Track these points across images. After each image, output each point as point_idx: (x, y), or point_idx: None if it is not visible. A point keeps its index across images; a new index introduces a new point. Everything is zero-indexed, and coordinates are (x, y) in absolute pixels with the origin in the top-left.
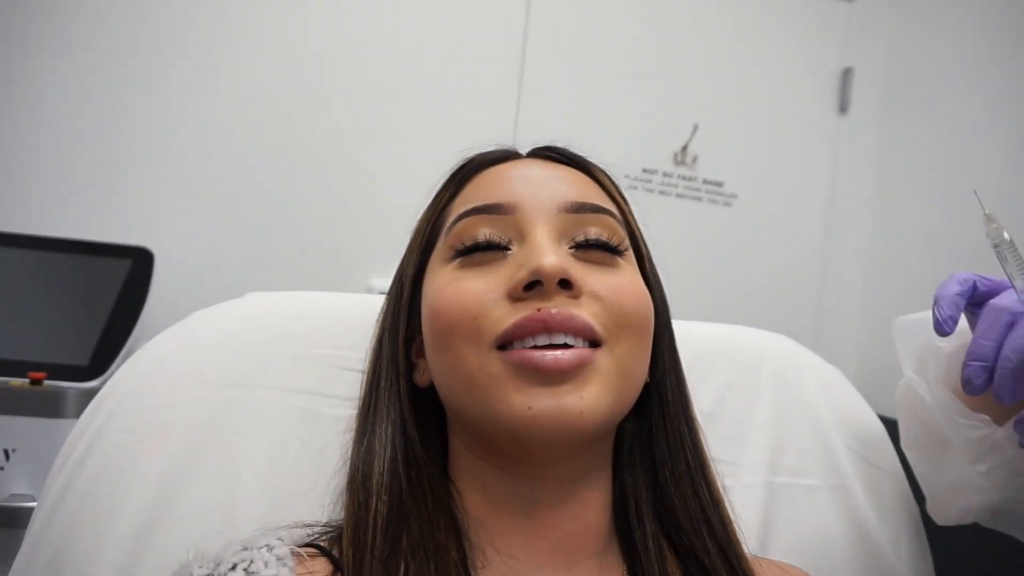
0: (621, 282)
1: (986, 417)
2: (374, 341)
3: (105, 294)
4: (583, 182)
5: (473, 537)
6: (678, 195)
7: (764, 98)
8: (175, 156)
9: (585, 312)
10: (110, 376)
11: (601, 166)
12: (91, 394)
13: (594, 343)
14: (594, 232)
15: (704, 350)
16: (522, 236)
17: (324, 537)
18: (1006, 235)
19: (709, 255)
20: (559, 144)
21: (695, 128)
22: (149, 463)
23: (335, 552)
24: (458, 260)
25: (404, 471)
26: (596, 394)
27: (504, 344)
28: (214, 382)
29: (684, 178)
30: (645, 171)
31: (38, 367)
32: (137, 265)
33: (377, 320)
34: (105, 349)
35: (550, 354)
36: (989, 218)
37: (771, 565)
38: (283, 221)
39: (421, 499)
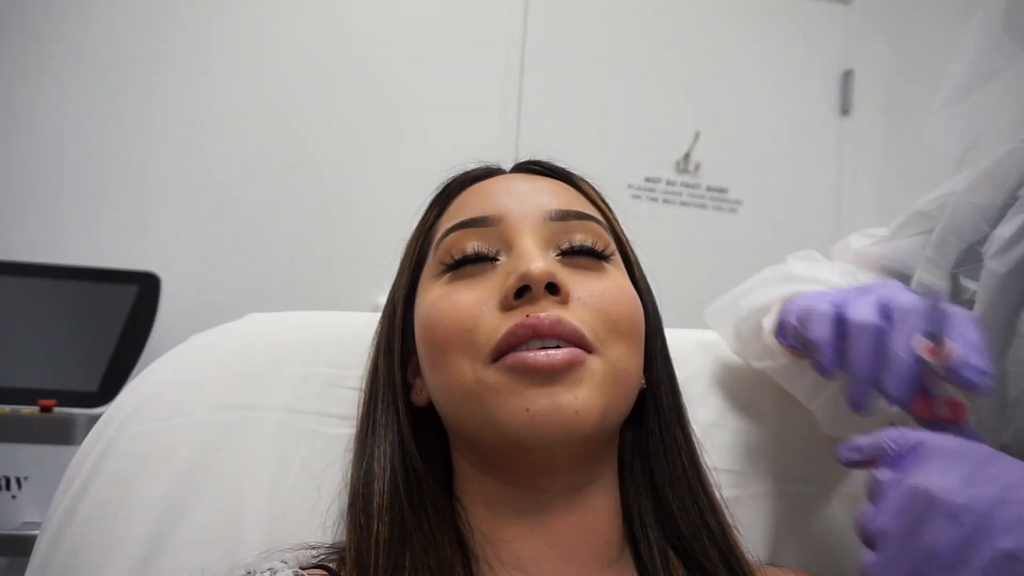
0: (608, 287)
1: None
2: (369, 363)
3: (113, 319)
4: (566, 192)
5: (479, 551)
6: (682, 203)
7: (765, 103)
8: (177, 181)
9: (574, 318)
10: None
11: (585, 176)
12: None
13: (586, 349)
14: (579, 238)
15: (707, 358)
16: (509, 246)
17: (330, 559)
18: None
19: (715, 262)
20: (545, 158)
21: (697, 135)
22: (151, 488)
23: (342, 574)
24: (448, 275)
25: (405, 491)
26: (589, 394)
27: (498, 356)
28: (215, 404)
29: (687, 186)
30: (648, 180)
31: (48, 394)
32: (144, 290)
33: (372, 342)
34: (114, 374)
35: (542, 353)
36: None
37: (783, 573)
38: (289, 241)
39: (424, 517)
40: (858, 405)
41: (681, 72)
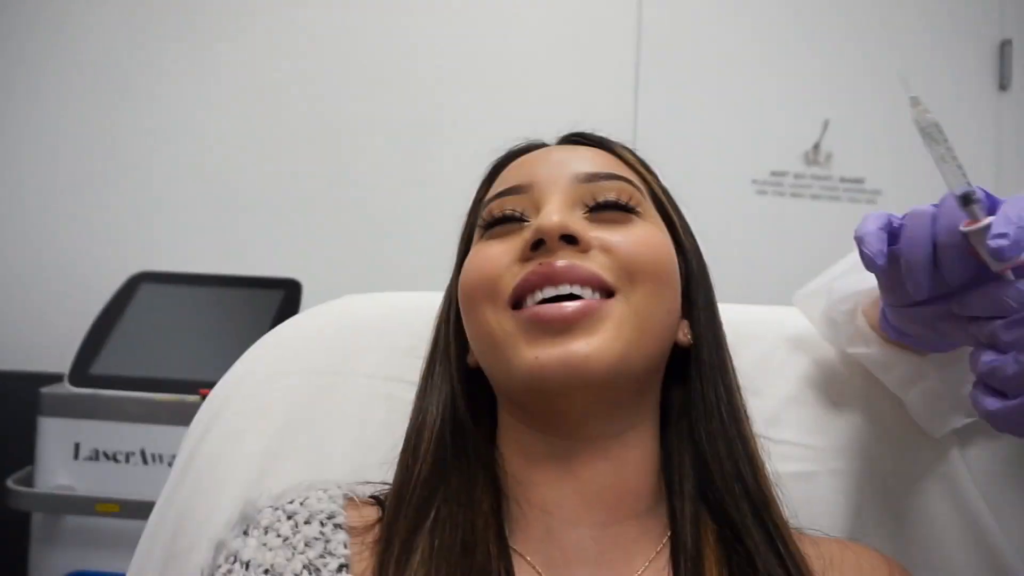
0: (633, 234)
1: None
2: (433, 329)
3: (261, 320)
4: (602, 157)
5: (509, 492)
6: (813, 196)
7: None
8: (315, 196)
9: (593, 263)
10: None
11: (627, 143)
12: None
13: (607, 293)
14: (604, 194)
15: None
16: (538, 208)
17: (382, 492)
18: (932, 118)
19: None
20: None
21: (826, 124)
22: (252, 439)
23: (385, 501)
24: (484, 235)
25: (451, 439)
26: (604, 340)
27: (517, 302)
28: (307, 370)
29: (818, 178)
30: (774, 174)
31: (207, 384)
32: (288, 294)
33: (438, 311)
34: None
35: (554, 306)
36: (915, 101)
37: (830, 542)
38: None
39: (464, 461)
40: (916, 286)
41: (807, 56)
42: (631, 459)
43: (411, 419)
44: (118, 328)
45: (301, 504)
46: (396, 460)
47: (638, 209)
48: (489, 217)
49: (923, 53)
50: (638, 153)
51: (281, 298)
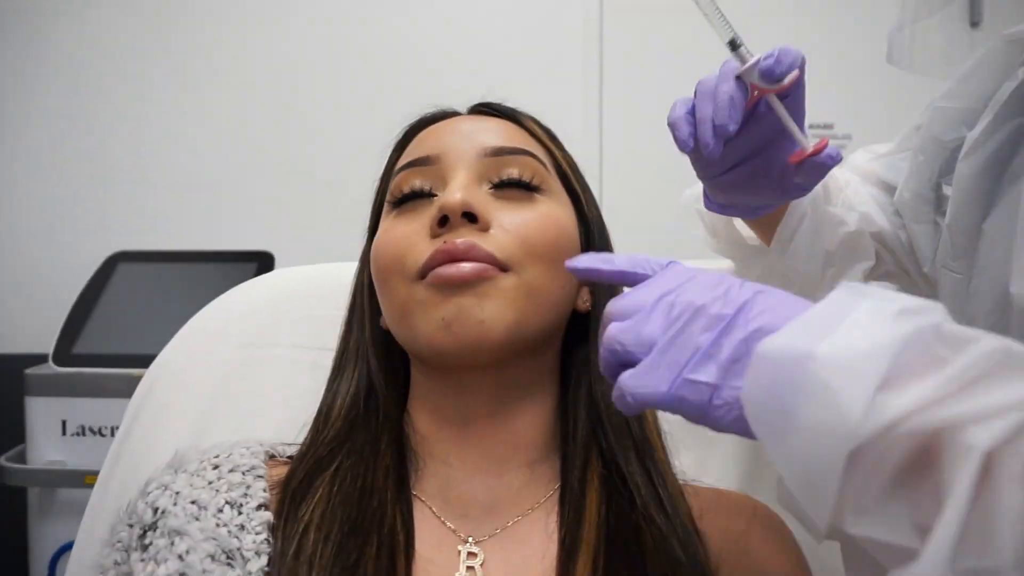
0: (532, 215)
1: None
2: (350, 294)
3: None
4: (509, 129)
5: (415, 447)
6: None
7: (874, 16)
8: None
9: (490, 243)
10: None
11: (534, 115)
12: None
13: (503, 269)
14: (509, 172)
15: None
16: (445, 181)
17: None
18: None
19: None
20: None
21: None
22: (184, 411)
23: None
24: (394, 211)
25: (364, 401)
26: (497, 307)
27: (424, 275)
28: (237, 344)
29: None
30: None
31: None
32: (260, 266)
33: (354, 276)
34: None
35: (453, 266)
36: None
37: (708, 490)
38: None
39: (373, 420)
40: (706, 146)
41: (773, 3)
42: (528, 415)
43: (327, 385)
44: (98, 308)
45: (226, 458)
46: None
47: (541, 187)
48: (398, 193)
49: None
50: (544, 124)
51: (254, 270)
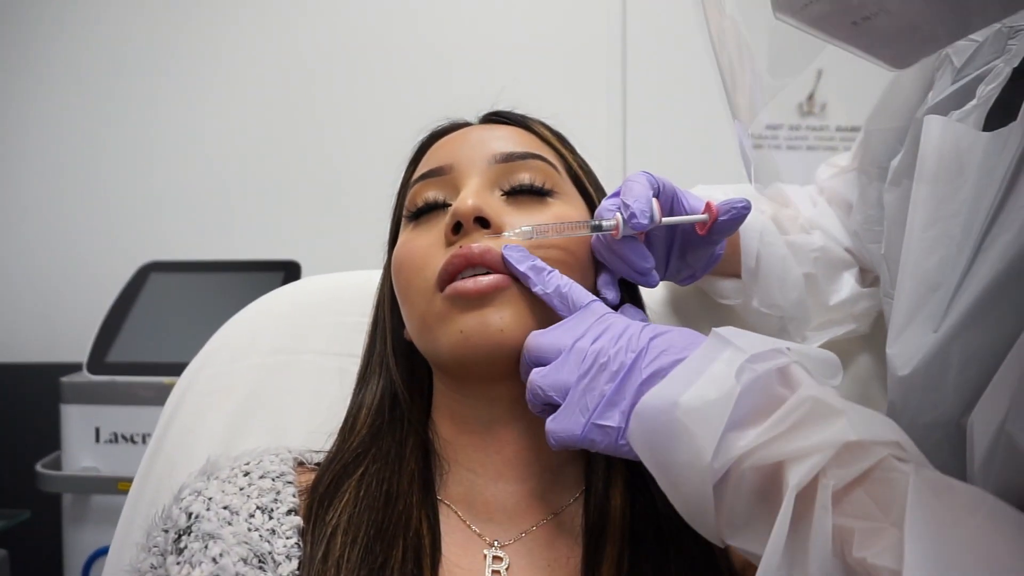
0: (544, 218)
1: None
2: (373, 306)
3: None
4: (519, 135)
5: (441, 452)
6: (809, 147)
7: None
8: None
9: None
10: None
11: (544, 120)
12: None
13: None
14: (520, 177)
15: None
16: (458, 191)
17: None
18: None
19: None
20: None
21: (819, 73)
22: (217, 417)
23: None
24: (411, 224)
25: (389, 410)
26: (515, 314)
27: (442, 285)
28: (265, 350)
29: (814, 128)
30: (769, 128)
31: None
32: (288, 275)
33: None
34: None
35: (471, 280)
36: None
37: None
38: None
39: (398, 427)
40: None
41: None
42: None
43: (352, 395)
44: (131, 317)
45: (256, 464)
46: None
47: (553, 190)
48: (413, 206)
49: None
50: (556, 128)
51: (281, 279)
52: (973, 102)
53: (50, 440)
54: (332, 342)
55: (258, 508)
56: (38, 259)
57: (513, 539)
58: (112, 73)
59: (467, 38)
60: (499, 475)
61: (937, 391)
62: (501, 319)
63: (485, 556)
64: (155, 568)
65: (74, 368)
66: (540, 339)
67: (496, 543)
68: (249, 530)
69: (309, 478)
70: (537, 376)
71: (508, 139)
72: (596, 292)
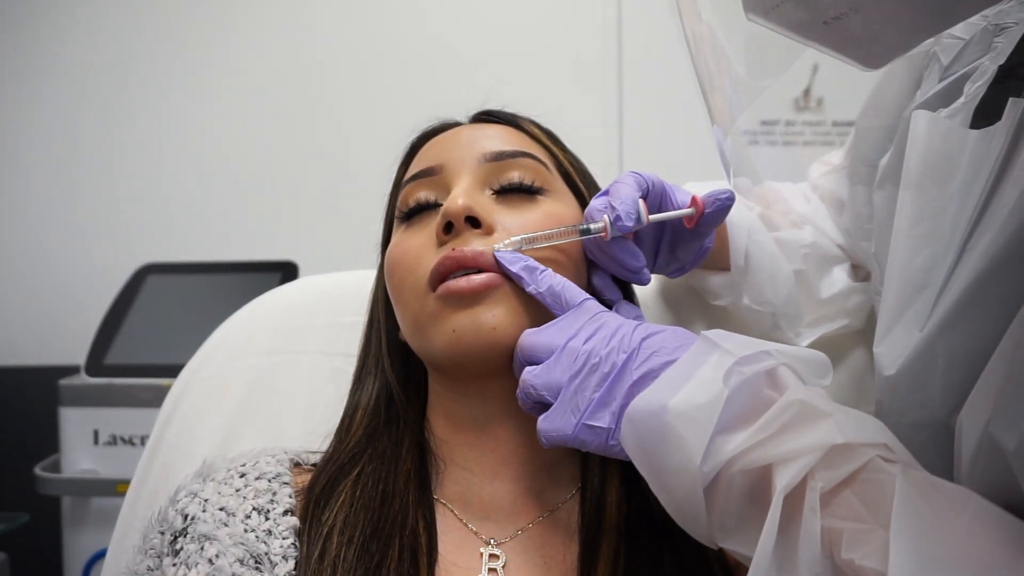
0: (534, 216)
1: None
2: (368, 308)
3: None
4: (509, 134)
5: (437, 452)
6: (805, 143)
7: None
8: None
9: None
10: None
11: (535, 118)
12: None
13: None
14: (510, 176)
15: None
16: (449, 190)
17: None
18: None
19: None
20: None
21: (815, 68)
22: (214, 418)
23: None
24: (403, 224)
25: (384, 411)
26: (508, 312)
27: (435, 285)
28: (262, 351)
29: (810, 124)
30: (764, 123)
31: None
32: (285, 276)
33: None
34: None
35: (463, 279)
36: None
37: None
38: None
39: (394, 427)
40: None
41: None
42: None
43: (348, 396)
44: (128, 319)
45: (252, 466)
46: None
47: (544, 188)
48: (404, 207)
49: None
50: (545, 127)
51: (279, 280)
52: (960, 100)
53: (49, 443)
54: (329, 342)
55: (254, 509)
56: (35, 262)
57: (509, 537)
58: (108, 77)
59: (464, 39)
60: (495, 473)
61: (923, 391)
62: (494, 317)
63: (482, 554)
64: (152, 570)
65: (72, 371)
66: (533, 338)
67: (492, 541)
68: (245, 531)
69: (305, 479)
70: (529, 375)
71: (498, 138)
72: (590, 289)
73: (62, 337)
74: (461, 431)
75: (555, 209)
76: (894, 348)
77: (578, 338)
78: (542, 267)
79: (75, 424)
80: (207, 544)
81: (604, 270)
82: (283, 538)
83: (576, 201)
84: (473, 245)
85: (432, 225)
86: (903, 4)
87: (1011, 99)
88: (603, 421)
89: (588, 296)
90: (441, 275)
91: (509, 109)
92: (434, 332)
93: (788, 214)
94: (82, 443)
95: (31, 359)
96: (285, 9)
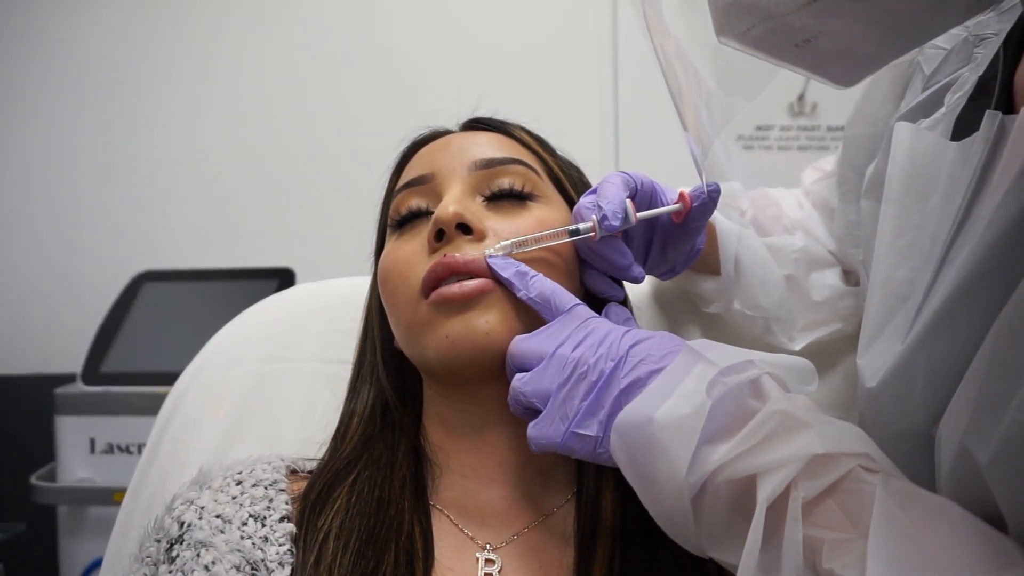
0: (525, 222)
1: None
2: (363, 316)
3: None
4: (499, 141)
5: (433, 458)
6: (800, 148)
7: None
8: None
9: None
10: None
11: (524, 124)
12: None
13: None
14: (500, 183)
15: None
16: (440, 199)
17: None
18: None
19: None
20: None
21: None
22: (211, 425)
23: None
24: (396, 233)
25: (380, 418)
26: (500, 317)
27: (428, 292)
28: (259, 358)
29: (805, 129)
30: (759, 128)
31: None
32: (282, 283)
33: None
34: None
35: (456, 284)
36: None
37: None
38: None
39: (389, 434)
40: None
41: None
42: None
43: (344, 403)
44: (125, 327)
45: (249, 473)
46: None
47: (534, 194)
48: (396, 216)
49: None
50: (536, 132)
51: (275, 287)
52: (941, 110)
53: (45, 452)
54: (325, 349)
55: (251, 516)
56: (31, 270)
57: (505, 542)
58: (104, 83)
59: (461, 44)
60: (490, 478)
61: (905, 402)
62: (487, 322)
63: (478, 559)
64: None
65: (68, 379)
66: (523, 345)
67: (488, 546)
68: (242, 538)
69: (302, 485)
70: (519, 383)
71: (488, 145)
72: (584, 289)
73: (58, 345)
74: (456, 436)
75: (546, 214)
76: (876, 360)
77: (566, 345)
78: (533, 272)
79: (71, 433)
80: (203, 551)
81: (596, 269)
82: (279, 545)
83: (567, 206)
84: (465, 252)
85: (424, 233)
86: (869, 26)
87: (987, 111)
88: (591, 430)
89: (578, 301)
90: (433, 282)
91: (507, 111)
92: (428, 339)
93: (780, 219)
94: (78, 452)
95: (27, 367)
96: (282, 18)
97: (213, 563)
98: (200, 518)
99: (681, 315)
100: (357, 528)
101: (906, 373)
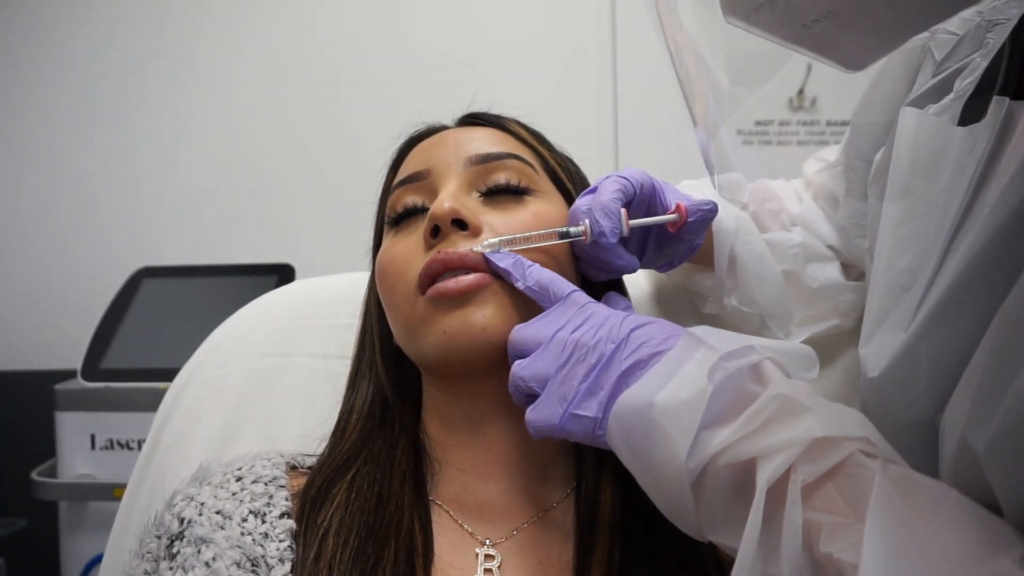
0: (521, 217)
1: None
2: (361, 313)
3: None
4: (495, 136)
5: (432, 453)
6: (799, 142)
7: None
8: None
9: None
10: None
11: (521, 119)
12: None
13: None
14: (496, 178)
15: None
16: (436, 194)
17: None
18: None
19: None
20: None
21: (809, 68)
22: (210, 420)
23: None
24: (393, 230)
25: (379, 413)
26: (497, 311)
27: (424, 288)
28: (257, 353)
29: (804, 123)
30: (759, 124)
31: None
32: (281, 278)
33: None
34: None
35: (452, 280)
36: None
37: None
38: None
39: (388, 430)
40: (601, 236)
41: None
42: None
43: (343, 399)
44: (124, 323)
45: (248, 469)
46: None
47: (530, 188)
48: (393, 213)
49: None
50: (532, 127)
51: (275, 283)
52: (949, 96)
53: (45, 448)
54: (325, 345)
55: (251, 512)
56: (31, 266)
57: (505, 537)
58: (102, 78)
59: (460, 40)
60: (489, 474)
61: (908, 392)
62: (483, 316)
63: (477, 555)
64: (148, 574)
65: (68, 375)
66: (522, 332)
67: (488, 541)
68: (242, 534)
69: (302, 481)
70: (518, 367)
71: (484, 140)
72: (580, 278)
73: (58, 341)
74: (455, 432)
75: (542, 209)
76: (879, 350)
77: (566, 329)
78: (529, 262)
79: (72, 429)
80: (204, 547)
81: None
82: (279, 540)
83: (564, 201)
84: (460, 247)
85: (421, 229)
86: (879, 6)
87: (995, 97)
88: (590, 410)
89: (576, 288)
90: (430, 278)
91: (507, 107)
92: (425, 334)
93: (780, 213)
94: (79, 448)
95: (27, 364)
96: (280, 15)
97: (214, 559)
98: (200, 514)
99: (680, 312)
100: (357, 524)
101: (908, 363)
